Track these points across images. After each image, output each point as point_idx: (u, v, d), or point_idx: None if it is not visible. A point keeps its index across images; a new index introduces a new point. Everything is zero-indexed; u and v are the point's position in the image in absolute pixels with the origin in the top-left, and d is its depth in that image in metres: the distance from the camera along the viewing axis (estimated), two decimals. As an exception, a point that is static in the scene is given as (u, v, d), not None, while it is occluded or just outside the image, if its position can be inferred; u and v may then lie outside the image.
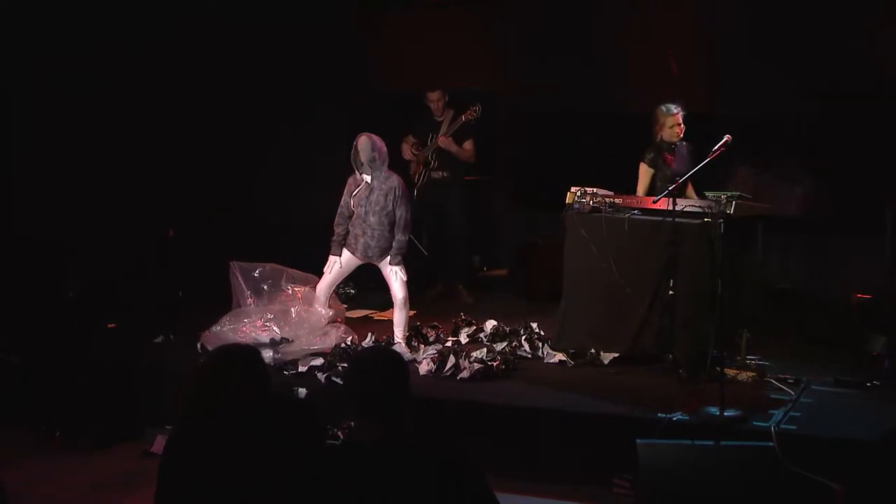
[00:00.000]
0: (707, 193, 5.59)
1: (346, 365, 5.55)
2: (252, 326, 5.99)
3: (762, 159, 7.22)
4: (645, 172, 6.16)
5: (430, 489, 2.73)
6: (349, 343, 6.04)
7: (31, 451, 5.43)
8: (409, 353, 5.95)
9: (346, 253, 6.18)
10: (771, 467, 4.20)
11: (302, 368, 5.80)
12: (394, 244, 6.07)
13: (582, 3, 8.30)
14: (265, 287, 6.20)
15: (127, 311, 6.99)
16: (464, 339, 6.37)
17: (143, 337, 6.55)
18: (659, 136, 6.15)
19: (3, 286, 6.65)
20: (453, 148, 7.51)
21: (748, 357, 5.62)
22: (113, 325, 6.89)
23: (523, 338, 6.23)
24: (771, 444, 4.41)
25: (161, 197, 7.42)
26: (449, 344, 6.18)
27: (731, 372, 5.40)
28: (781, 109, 7.54)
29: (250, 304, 6.17)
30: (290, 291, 6.19)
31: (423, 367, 5.74)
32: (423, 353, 5.99)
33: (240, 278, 6.20)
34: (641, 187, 6.15)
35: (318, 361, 5.84)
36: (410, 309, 6.38)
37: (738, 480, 4.13)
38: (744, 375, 5.44)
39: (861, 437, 4.61)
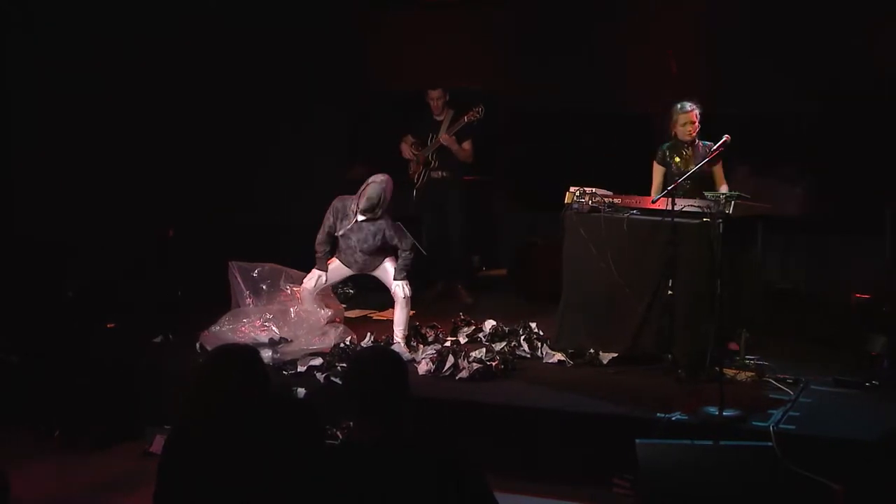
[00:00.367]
0: (706, 193, 5.59)
1: (345, 365, 5.55)
2: (251, 326, 5.99)
3: (762, 159, 7.23)
4: (656, 171, 6.14)
5: (429, 489, 2.74)
6: (348, 343, 6.04)
7: (31, 451, 5.42)
8: (408, 353, 5.95)
9: (336, 263, 6.20)
10: (770, 467, 4.20)
11: (301, 368, 5.80)
12: (399, 261, 6.10)
13: (582, 2, 8.30)
14: (264, 287, 6.20)
15: (126, 311, 6.99)
16: (463, 338, 6.37)
17: (143, 337, 6.56)
18: (673, 133, 6.12)
19: (3, 286, 6.65)
20: (454, 147, 7.51)
21: (747, 357, 5.62)
22: (112, 325, 6.89)
23: (522, 338, 6.23)
24: (770, 443, 4.41)
25: (161, 197, 7.42)
26: (448, 344, 6.19)
27: (730, 372, 5.41)
28: (781, 109, 7.54)
29: (249, 305, 6.17)
30: (288, 291, 6.19)
31: (423, 367, 5.74)
32: (423, 352, 6.00)
33: (238, 278, 6.19)
34: (654, 185, 6.13)
35: (318, 361, 5.84)
36: (410, 309, 6.39)
37: (737, 480, 4.13)
38: (743, 375, 5.45)
39: (860, 437, 4.61)
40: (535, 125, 8.79)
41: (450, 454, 2.83)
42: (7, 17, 6.89)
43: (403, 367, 3.02)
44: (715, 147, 5.75)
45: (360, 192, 5.99)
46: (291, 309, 6.05)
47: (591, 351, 5.88)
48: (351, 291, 7.41)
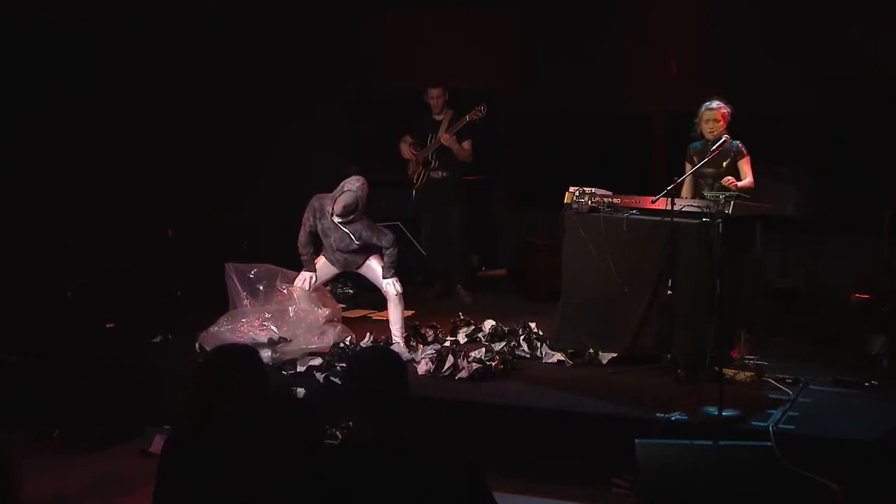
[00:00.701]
0: (705, 193, 5.59)
1: (344, 365, 5.55)
2: (250, 326, 5.98)
3: (762, 159, 7.22)
4: (687, 168, 6.08)
5: (429, 489, 2.74)
6: (348, 343, 6.04)
7: (31, 451, 5.42)
8: (407, 353, 5.95)
9: (322, 261, 6.21)
10: (769, 467, 4.21)
11: (300, 368, 5.81)
12: (385, 259, 6.10)
13: (582, 3, 8.31)
14: (261, 288, 6.19)
15: (126, 311, 6.99)
16: (462, 338, 6.37)
17: (143, 337, 6.56)
18: (699, 131, 6.07)
19: (3, 286, 6.65)
20: (455, 147, 7.50)
21: (747, 357, 5.62)
22: (111, 325, 6.89)
23: (522, 338, 6.23)
24: (769, 443, 4.42)
25: (160, 197, 7.42)
26: (447, 344, 6.18)
27: (729, 372, 5.40)
28: (781, 109, 7.55)
29: (247, 306, 6.16)
30: (285, 291, 6.18)
31: (422, 367, 5.74)
32: (422, 352, 6.00)
33: (235, 280, 6.19)
34: (685, 184, 6.06)
35: (317, 361, 5.84)
36: (409, 308, 6.39)
37: (736, 480, 4.14)
38: (742, 375, 5.44)
39: (860, 437, 4.61)
40: (535, 125, 8.80)
41: (449, 454, 2.83)
42: (8, 17, 6.89)
43: (403, 367, 3.02)
44: (714, 147, 5.75)
45: (334, 195, 5.97)
46: (290, 308, 6.05)
47: (591, 351, 5.88)
48: (350, 291, 7.41)
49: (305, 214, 6.16)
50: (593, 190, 5.92)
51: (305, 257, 6.22)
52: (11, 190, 7.02)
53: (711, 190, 5.68)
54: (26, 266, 6.79)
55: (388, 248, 6.10)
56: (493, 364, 5.68)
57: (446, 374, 5.67)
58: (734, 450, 4.32)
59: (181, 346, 6.29)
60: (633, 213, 5.82)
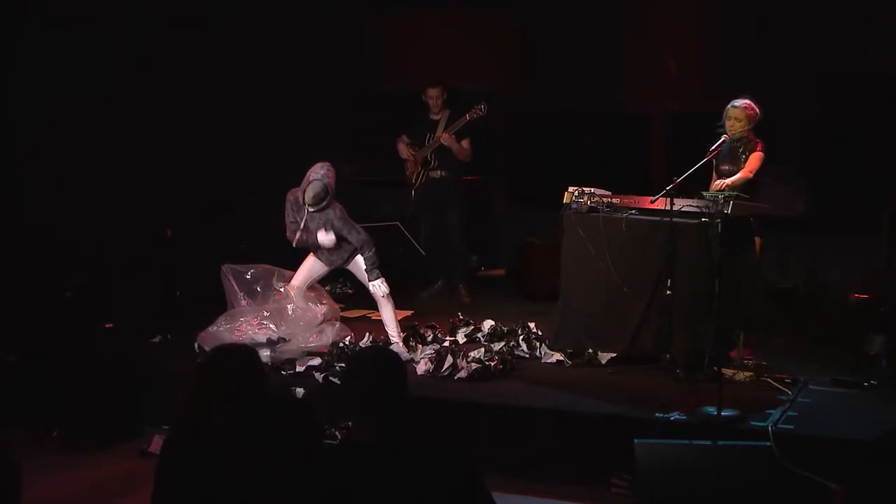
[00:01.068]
0: (704, 193, 5.59)
1: (343, 365, 5.56)
2: (248, 325, 5.98)
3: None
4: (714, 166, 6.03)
5: (428, 489, 2.74)
6: (347, 343, 6.05)
7: (31, 451, 5.42)
8: (406, 353, 5.95)
9: (313, 258, 6.22)
10: (769, 467, 4.21)
11: (300, 368, 5.81)
12: (365, 262, 6.05)
13: (582, 3, 8.32)
14: (258, 288, 6.19)
15: (125, 311, 6.99)
16: (461, 338, 6.37)
17: (142, 337, 6.56)
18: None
19: (3, 286, 6.65)
20: (455, 146, 7.50)
21: (746, 357, 5.62)
22: (111, 325, 6.89)
23: (521, 338, 6.23)
24: (769, 443, 4.41)
25: (160, 197, 7.43)
26: (447, 344, 6.19)
27: (728, 372, 5.40)
28: (781, 109, 7.53)
29: (244, 307, 6.16)
30: (283, 291, 6.18)
31: (421, 367, 5.74)
32: (421, 352, 6.00)
33: (232, 281, 6.18)
34: (712, 182, 5.99)
35: (316, 361, 5.84)
36: (407, 309, 6.39)
37: (735, 480, 4.14)
38: (741, 375, 5.44)
39: (859, 437, 4.62)
40: (535, 125, 8.80)
41: (448, 454, 2.84)
42: (8, 17, 6.89)
43: (402, 367, 3.02)
44: (713, 147, 5.74)
45: (303, 186, 5.96)
46: (288, 306, 6.05)
47: (590, 351, 5.88)
48: (349, 291, 7.42)
49: (286, 212, 6.14)
50: (592, 190, 5.92)
51: (302, 239, 6.17)
52: (11, 190, 7.02)
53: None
54: (26, 266, 6.79)
55: (362, 250, 6.05)
56: (493, 364, 5.68)
57: (445, 374, 5.67)
58: (733, 450, 4.32)
59: (181, 346, 6.29)
60: (632, 213, 5.81)
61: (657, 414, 4.90)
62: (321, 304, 6.22)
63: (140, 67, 7.40)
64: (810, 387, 5.37)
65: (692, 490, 4.13)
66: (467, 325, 6.57)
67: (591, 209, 5.89)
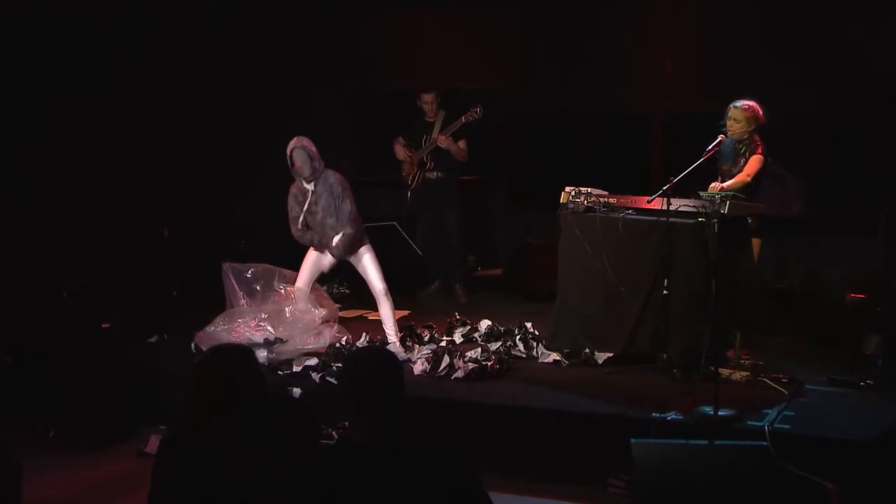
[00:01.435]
0: (701, 193, 5.59)
1: (340, 365, 5.56)
2: (246, 326, 5.98)
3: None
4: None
5: (425, 489, 2.74)
6: (344, 343, 6.05)
7: (30, 452, 5.43)
8: (403, 353, 5.96)
9: (315, 253, 6.21)
10: (765, 467, 4.21)
11: (297, 368, 5.81)
12: (341, 238, 6.03)
13: (582, 3, 8.32)
14: (258, 288, 6.19)
15: (122, 311, 7.00)
16: (458, 338, 6.37)
17: (139, 337, 6.57)
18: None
19: (2, 286, 6.66)
20: (452, 148, 7.51)
21: (742, 356, 5.63)
22: (107, 325, 6.90)
23: (518, 338, 6.23)
24: (765, 443, 4.42)
25: (160, 197, 7.44)
26: (444, 344, 6.19)
27: (725, 371, 5.40)
28: (781, 109, 7.54)
29: (243, 306, 6.17)
30: (283, 291, 6.17)
31: (418, 367, 5.75)
32: (418, 352, 6.00)
33: (232, 280, 6.19)
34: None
35: (313, 361, 5.85)
36: (405, 308, 6.38)
37: (732, 480, 4.14)
38: (738, 375, 5.44)
39: (855, 437, 4.62)
40: (535, 125, 8.81)
41: (445, 454, 2.84)
42: (8, 17, 6.90)
43: (399, 367, 3.02)
44: (710, 147, 5.74)
45: (291, 167, 5.97)
46: (286, 308, 6.05)
47: (587, 351, 5.88)
48: (347, 291, 7.43)
49: (288, 206, 6.13)
50: (589, 190, 5.92)
51: (309, 237, 6.17)
52: (11, 190, 7.03)
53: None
54: (26, 266, 6.81)
55: (347, 227, 6.01)
56: (490, 364, 5.68)
57: (442, 374, 5.68)
58: (730, 449, 4.32)
59: (180, 346, 6.29)
60: (629, 213, 5.81)
61: (654, 414, 4.90)
62: (321, 307, 6.22)
63: (140, 67, 7.41)
64: (807, 386, 5.37)
65: (689, 490, 4.14)
66: (464, 324, 6.57)
67: (588, 209, 5.90)
